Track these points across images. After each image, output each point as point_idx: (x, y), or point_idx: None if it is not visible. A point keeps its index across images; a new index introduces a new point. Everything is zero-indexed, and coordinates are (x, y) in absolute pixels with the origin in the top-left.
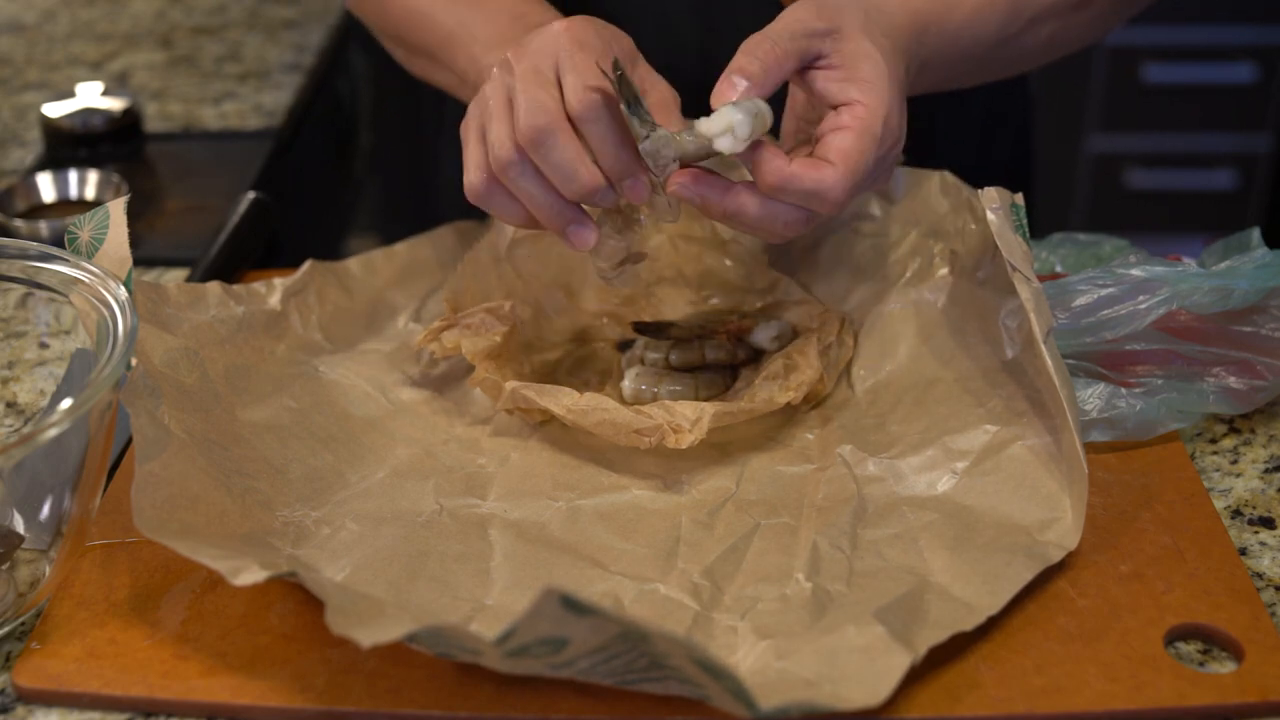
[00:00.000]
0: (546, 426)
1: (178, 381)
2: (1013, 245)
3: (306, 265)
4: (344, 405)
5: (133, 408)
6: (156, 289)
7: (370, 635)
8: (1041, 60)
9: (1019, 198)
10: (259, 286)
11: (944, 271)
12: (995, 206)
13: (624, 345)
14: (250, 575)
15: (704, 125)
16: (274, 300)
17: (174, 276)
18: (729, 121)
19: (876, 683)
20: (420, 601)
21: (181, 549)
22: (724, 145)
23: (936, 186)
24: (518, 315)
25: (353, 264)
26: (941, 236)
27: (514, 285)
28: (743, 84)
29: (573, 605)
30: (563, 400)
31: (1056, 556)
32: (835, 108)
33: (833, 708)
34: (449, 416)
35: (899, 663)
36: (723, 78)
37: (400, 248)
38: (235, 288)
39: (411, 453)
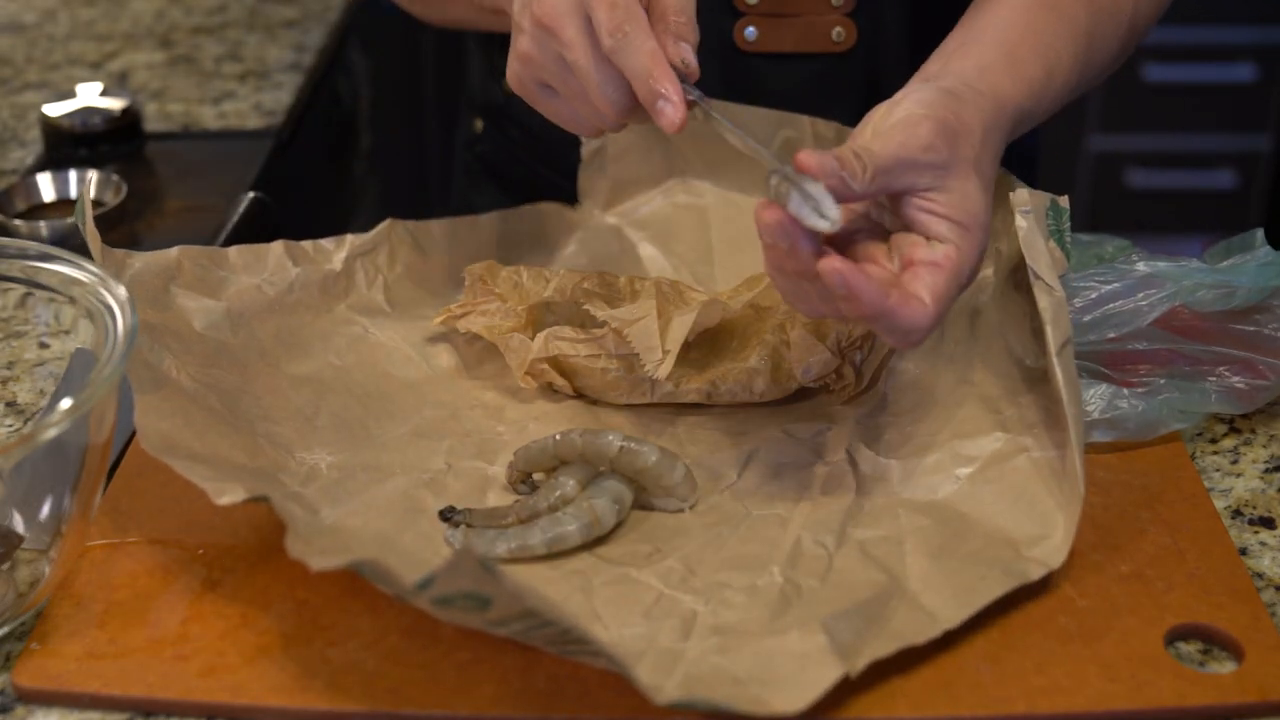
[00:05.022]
0: (572, 401)
1: (219, 341)
2: (1039, 252)
3: (384, 225)
4: (385, 366)
5: (130, 362)
6: (211, 254)
7: (320, 562)
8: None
9: (1063, 200)
10: (327, 244)
11: (988, 272)
12: (1026, 210)
13: None
14: (232, 496)
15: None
16: (337, 260)
17: None
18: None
19: (801, 691)
20: (404, 551)
21: (179, 468)
22: (817, 224)
23: None
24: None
25: (434, 225)
26: (991, 235)
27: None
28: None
29: (488, 566)
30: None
31: (1036, 574)
32: (928, 239)
33: (746, 711)
34: (481, 385)
35: (828, 675)
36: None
37: (485, 219)
38: (301, 245)
39: (437, 414)
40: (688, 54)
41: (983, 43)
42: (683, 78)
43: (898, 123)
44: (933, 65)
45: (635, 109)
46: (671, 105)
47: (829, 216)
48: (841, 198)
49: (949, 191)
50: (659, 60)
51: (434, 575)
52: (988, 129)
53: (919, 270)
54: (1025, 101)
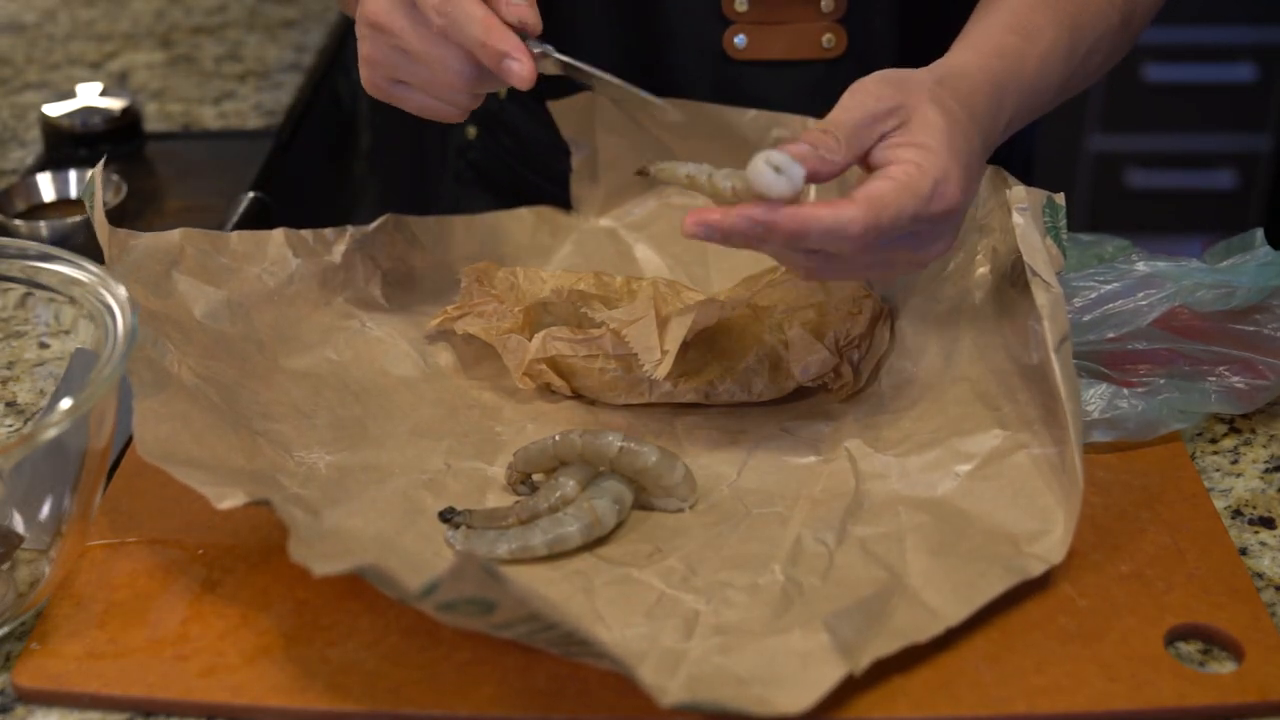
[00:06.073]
0: (570, 402)
1: (218, 331)
2: (1035, 249)
3: (383, 219)
4: (382, 363)
5: (132, 360)
6: (214, 239)
7: (323, 566)
8: (1091, 83)
9: (1059, 197)
10: (328, 234)
11: (983, 270)
12: (1023, 207)
13: None
14: (233, 500)
15: (757, 168)
16: (337, 252)
17: None
18: (779, 161)
19: (805, 690)
20: (405, 553)
21: (178, 474)
22: (777, 187)
23: (986, 180)
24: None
25: (432, 222)
26: (986, 232)
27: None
28: (799, 169)
29: (492, 571)
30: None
31: (1037, 570)
32: (886, 165)
33: (751, 711)
34: (479, 384)
35: (831, 674)
36: (782, 148)
37: (482, 219)
38: (302, 234)
39: (435, 414)
40: (523, 10)
41: (959, 39)
42: (525, 36)
43: (847, 91)
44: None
45: (483, 76)
46: (518, 62)
47: (793, 178)
48: (828, 174)
49: (910, 122)
50: (491, 23)
51: (438, 581)
52: (940, 78)
53: (863, 183)
54: (997, 62)
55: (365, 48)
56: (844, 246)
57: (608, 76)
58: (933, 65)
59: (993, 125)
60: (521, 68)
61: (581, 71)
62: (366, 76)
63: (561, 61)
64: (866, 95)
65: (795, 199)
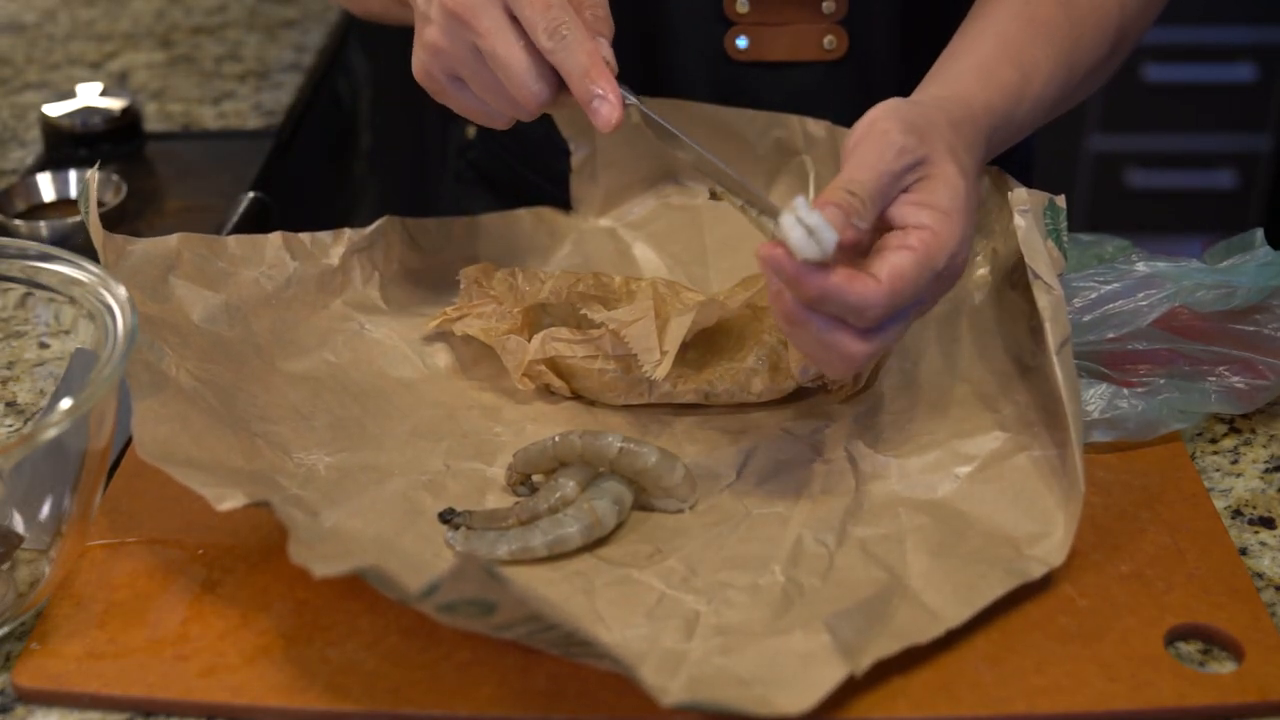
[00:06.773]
0: (570, 402)
1: (216, 335)
2: (1038, 251)
3: (381, 221)
4: (381, 365)
5: (130, 362)
6: (211, 243)
7: (324, 567)
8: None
9: (1060, 199)
10: (325, 237)
11: (983, 271)
12: (1024, 209)
13: None
14: (233, 501)
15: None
16: (335, 255)
17: None
18: (813, 224)
19: (806, 691)
20: (405, 554)
21: (177, 475)
22: (807, 250)
23: (986, 182)
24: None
25: (431, 224)
26: (987, 234)
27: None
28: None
29: (493, 572)
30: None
31: (1038, 572)
32: (904, 228)
33: (752, 712)
34: (478, 385)
35: (833, 674)
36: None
37: (481, 220)
38: (299, 237)
39: (434, 415)
40: (607, 51)
41: (954, 57)
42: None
43: (864, 135)
44: (916, 94)
45: (553, 102)
46: (608, 105)
47: (824, 243)
48: (853, 241)
49: (931, 179)
50: (596, 60)
51: (439, 582)
52: (955, 122)
53: (885, 253)
54: (999, 102)
55: (434, 34)
56: (860, 322)
57: (691, 142)
58: (942, 99)
59: (981, 168)
60: (610, 111)
61: (664, 132)
62: (424, 63)
63: (646, 117)
64: (887, 147)
65: (823, 261)
